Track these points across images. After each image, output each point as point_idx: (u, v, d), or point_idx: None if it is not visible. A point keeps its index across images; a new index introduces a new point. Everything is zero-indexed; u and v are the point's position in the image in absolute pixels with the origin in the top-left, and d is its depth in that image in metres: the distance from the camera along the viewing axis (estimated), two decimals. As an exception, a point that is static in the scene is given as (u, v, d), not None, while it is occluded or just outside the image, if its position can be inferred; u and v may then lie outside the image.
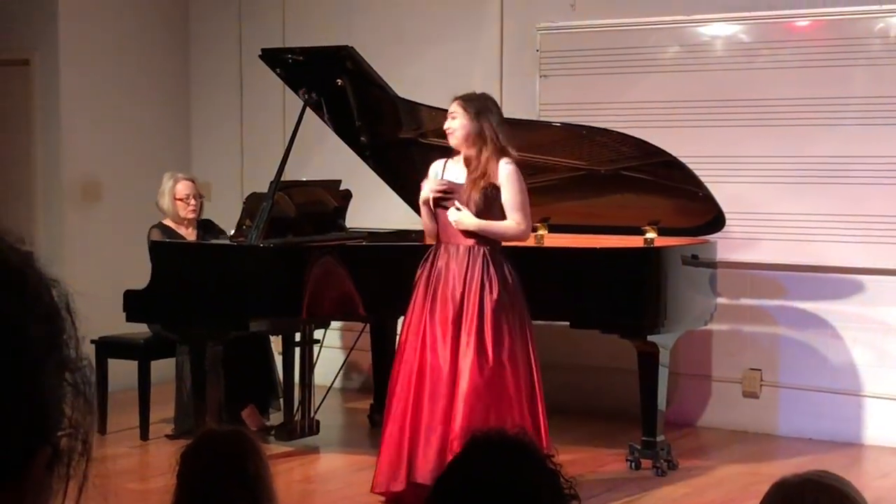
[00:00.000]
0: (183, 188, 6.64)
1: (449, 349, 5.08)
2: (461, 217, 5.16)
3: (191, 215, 6.65)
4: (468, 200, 5.15)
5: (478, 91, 5.45)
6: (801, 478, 1.97)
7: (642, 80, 6.92)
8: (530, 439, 1.68)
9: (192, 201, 6.65)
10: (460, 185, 5.20)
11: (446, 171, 5.32)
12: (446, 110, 6.31)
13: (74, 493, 0.97)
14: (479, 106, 5.22)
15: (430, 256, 5.28)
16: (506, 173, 5.15)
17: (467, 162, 5.21)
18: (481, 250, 5.16)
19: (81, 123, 7.86)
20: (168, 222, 6.66)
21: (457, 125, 5.21)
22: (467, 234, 5.18)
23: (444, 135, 6.38)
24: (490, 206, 5.16)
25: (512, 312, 5.13)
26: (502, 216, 5.18)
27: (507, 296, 5.12)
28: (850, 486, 1.96)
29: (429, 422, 5.07)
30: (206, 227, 6.75)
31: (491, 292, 5.10)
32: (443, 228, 5.29)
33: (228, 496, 2.30)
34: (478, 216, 5.15)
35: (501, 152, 5.17)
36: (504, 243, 5.27)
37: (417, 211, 6.85)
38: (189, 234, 6.66)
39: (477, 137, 5.17)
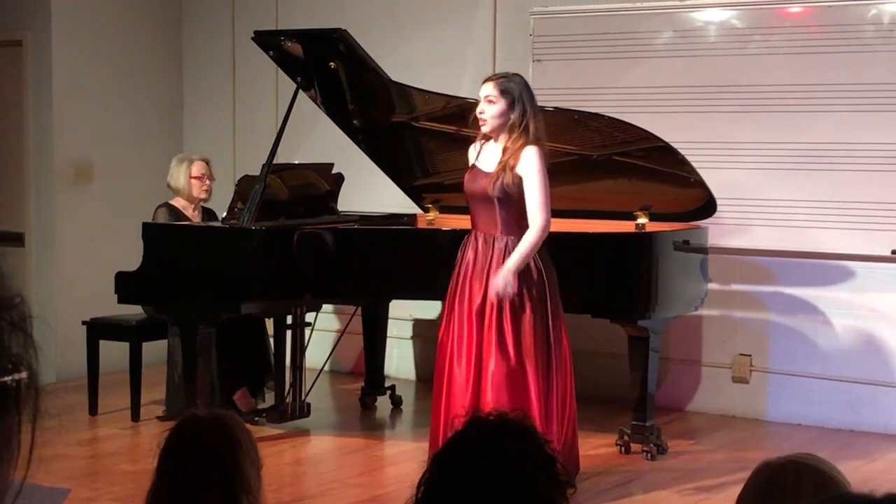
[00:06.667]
0: (199, 167, 6.69)
1: (474, 343, 5.02)
2: (498, 285, 4.96)
3: (204, 195, 6.70)
4: (496, 186, 5.00)
5: (511, 71, 5.33)
6: (784, 460, 1.99)
7: (635, 65, 6.92)
8: (530, 423, 1.69)
9: (207, 181, 6.69)
10: (488, 174, 5.07)
11: (480, 157, 5.19)
12: (439, 94, 6.34)
13: (29, 426, 0.98)
14: (518, 88, 5.06)
15: (465, 244, 5.21)
16: (529, 162, 4.99)
17: (503, 150, 5.07)
18: (506, 240, 5.06)
19: (73, 105, 7.85)
20: (176, 203, 6.68)
21: (492, 113, 5.05)
22: (499, 224, 5.07)
23: (437, 119, 6.40)
24: (519, 192, 5.02)
25: (535, 306, 5.02)
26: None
27: (528, 289, 5.01)
28: (833, 468, 1.98)
29: (456, 413, 5.06)
30: (209, 215, 6.77)
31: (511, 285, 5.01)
32: (473, 216, 5.24)
33: (204, 485, 2.29)
34: (507, 201, 5.02)
35: (531, 141, 5.04)
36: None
37: (409, 195, 6.89)
38: (195, 217, 6.68)
39: (511, 126, 5.04)
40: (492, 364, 4.98)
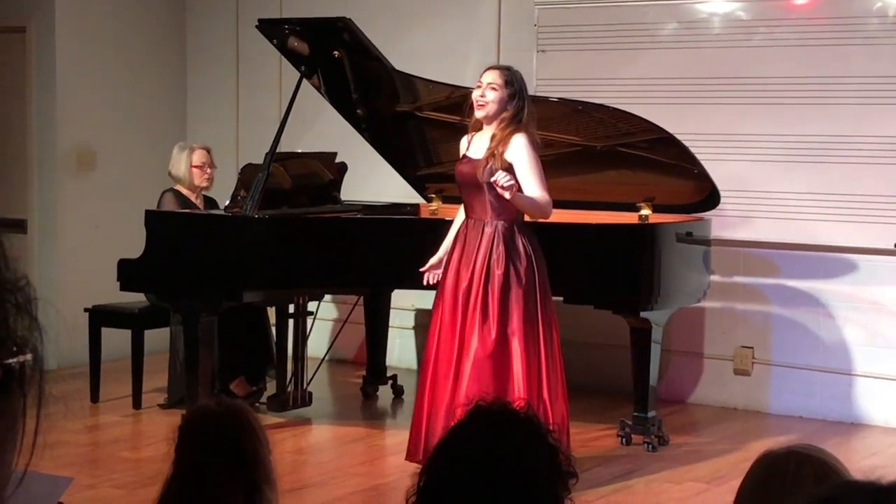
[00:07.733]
0: (200, 156, 6.68)
1: (458, 325, 5.06)
2: (499, 174, 4.93)
3: (205, 184, 6.70)
4: (485, 171, 5.00)
5: (514, 62, 5.37)
6: (785, 449, 1.99)
7: (640, 56, 6.91)
8: (533, 413, 1.69)
9: (208, 170, 6.68)
10: (478, 160, 5.10)
11: (471, 147, 5.21)
12: (443, 84, 6.33)
13: (34, 410, 0.97)
14: (518, 84, 5.12)
15: (458, 232, 5.26)
16: (519, 148, 5.03)
17: (492, 138, 5.09)
18: (496, 224, 5.09)
19: (77, 92, 7.84)
20: (180, 188, 6.68)
21: (493, 98, 5.09)
22: (489, 209, 5.08)
23: (441, 108, 6.39)
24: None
25: (523, 288, 5.04)
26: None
27: (515, 272, 5.04)
28: (834, 458, 1.98)
29: (440, 397, 5.08)
30: (210, 203, 6.76)
31: (498, 267, 5.04)
32: (465, 204, 5.26)
33: (223, 474, 2.28)
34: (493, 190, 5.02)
35: (520, 129, 5.07)
36: (528, 218, 5.18)
37: (412, 185, 6.88)
38: (198, 205, 6.68)
39: (507, 115, 5.08)
40: (474, 343, 5.01)
